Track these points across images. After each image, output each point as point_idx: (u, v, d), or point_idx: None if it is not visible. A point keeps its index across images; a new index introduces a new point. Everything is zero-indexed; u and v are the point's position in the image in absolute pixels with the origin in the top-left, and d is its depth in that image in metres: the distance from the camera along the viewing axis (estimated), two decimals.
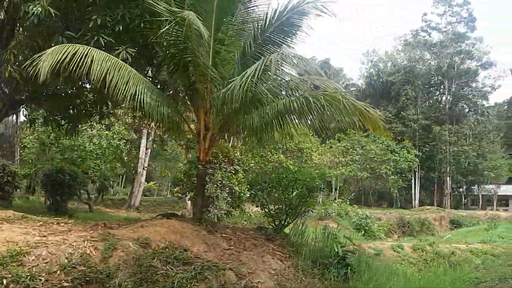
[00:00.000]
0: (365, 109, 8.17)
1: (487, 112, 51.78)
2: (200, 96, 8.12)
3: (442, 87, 53.34)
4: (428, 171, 51.39)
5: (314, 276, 8.00)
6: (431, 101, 53.27)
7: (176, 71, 8.32)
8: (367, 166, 42.59)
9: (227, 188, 18.42)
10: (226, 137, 9.30)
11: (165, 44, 8.28)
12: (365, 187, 50.93)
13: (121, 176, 39.44)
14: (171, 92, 10.04)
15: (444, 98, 53.64)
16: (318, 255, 8.64)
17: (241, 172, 19.03)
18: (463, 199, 58.22)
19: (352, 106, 7.89)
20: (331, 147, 44.60)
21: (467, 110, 54.42)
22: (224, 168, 19.53)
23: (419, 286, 9.17)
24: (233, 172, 18.67)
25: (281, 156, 36.95)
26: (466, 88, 52.38)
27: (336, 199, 46.96)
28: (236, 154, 20.99)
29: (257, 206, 10.95)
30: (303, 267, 8.11)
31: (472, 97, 50.73)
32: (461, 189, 54.76)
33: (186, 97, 8.60)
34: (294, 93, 8.85)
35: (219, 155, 19.97)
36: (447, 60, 52.13)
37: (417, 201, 50.12)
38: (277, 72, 7.92)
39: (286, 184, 9.89)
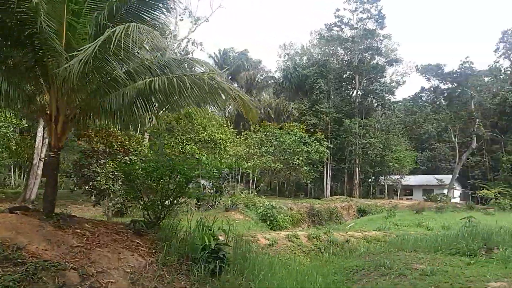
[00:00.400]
0: (239, 96, 7.71)
1: (393, 106, 54.78)
2: (49, 74, 7.06)
3: (353, 81, 55.53)
4: (339, 162, 53.33)
5: (180, 272, 7.38)
6: (343, 95, 55.26)
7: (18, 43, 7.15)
8: (281, 157, 43.10)
9: (120, 180, 17.31)
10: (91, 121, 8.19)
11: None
12: (281, 179, 51.76)
13: (15, 168, 36.29)
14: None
15: (355, 92, 55.89)
16: (189, 249, 8.03)
17: (138, 162, 17.95)
18: (371, 189, 61.48)
19: (220, 88, 7.36)
20: (246, 138, 44.59)
21: (375, 104, 57.17)
22: (119, 158, 18.38)
23: (294, 277, 8.89)
24: (128, 162, 17.58)
25: (193, 147, 36.18)
26: (375, 83, 54.88)
27: (251, 191, 47.25)
28: (132, 143, 19.89)
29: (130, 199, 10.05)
30: (169, 262, 7.45)
31: (379, 92, 53.26)
32: (369, 180, 57.54)
33: (38, 74, 7.47)
34: (162, 73, 8.07)
35: (114, 144, 18.78)
36: (358, 55, 54.33)
37: (328, 191, 51.82)
38: (137, 49, 7.07)
39: (161, 173, 9.15)
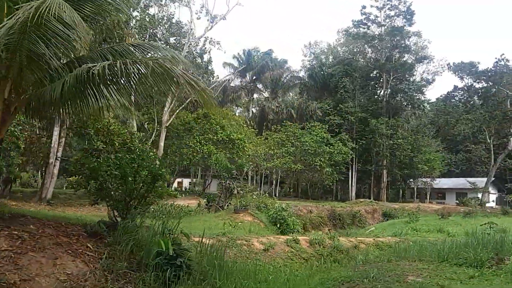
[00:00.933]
0: (195, 82, 6.87)
1: (423, 106, 52.52)
2: None
3: (380, 80, 53.63)
4: (365, 164, 51.56)
5: (129, 280, 6.60)
6: (369, 94, 53.37)
7: None
8: (301, 158, 41.96)
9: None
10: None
11: None
12: (305, 180, 50.60)
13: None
14: None
15: (382, 91, 53.94)
16: (144, 255, 7.24)
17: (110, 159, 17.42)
18: (401, 192, 59.29)
19: (172, 75, 6.53)
20: (267, 138, 43.71)
21: (404, 104, 55.01)
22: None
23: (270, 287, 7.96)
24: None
25: (211, 147, 35.62)
26: (404, 82, 52.80)
27: (273, 193, 46.38)
28: (135, 141, 19.39)
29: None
30: (118, 269, 6.68)
31: (408, 90, 51.15)
32: (398, 183, 55.44)
33: None
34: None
35: (115, 142, 18.33)
36: (386, 53, 52.43)
37: (353, 194, 50.17)
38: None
39: (124, 170, 8.43)
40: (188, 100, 32.87)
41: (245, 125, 40.74)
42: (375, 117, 50.01)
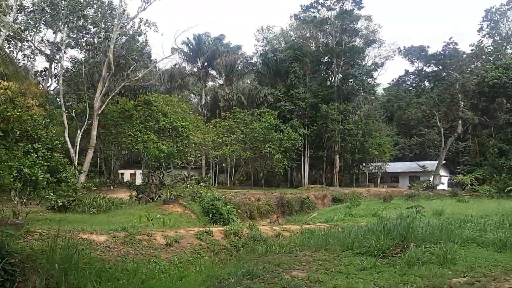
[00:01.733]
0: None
1: (373, 90, 52.49)
2: None
3: (331, 65, 53.11)
4: (317, 150, 51.19)
5: None
6: (320, 80, 52.76)
7: None
8: (251, 145, 40.98)
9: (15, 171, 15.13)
10: None
11: None
12: (258, 168, 49.77)
13: None
14: None
15: (333, 77, 53.50)
16: None
17: (43, 151, 15.83)
18: (355, 177, 59.55)
19: None
20: (215, 126, 42.42)
21: (356, 88, 54.88)
22: (21, 146, 16.20)
23: None
24: (31, 150, 15.47)
25: (153, 135, 34.01)
26: (355, 66, 52.53)
27: (223, 182, 45.25)
28: (38, 130, 17.65)
29: None
30: None
31: (358, 75, 50.93)
32: (351, 167, 55.55)
33: None
34: None
35: (16, 131, 16.56)
36: (336, 38, 51.91)
37: (306, 180, 49.75)
38: None
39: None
40: (122, 85, 31.11)
41: (191, 112, 39.24)
42: (327, 102, 49.57)
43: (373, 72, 53.72)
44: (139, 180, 37.58)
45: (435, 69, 58.71)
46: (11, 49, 27.91)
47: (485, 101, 46.23)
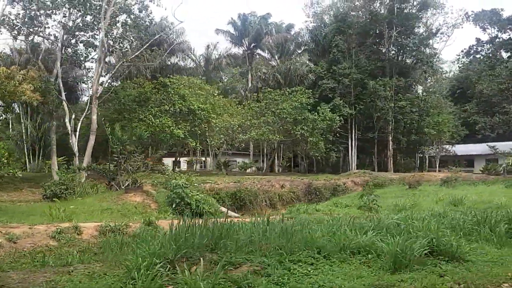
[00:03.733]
0: None
1: (430, 61, 45.81)
2: None
3: (382, 36, 47.31)
4: (366, 131, 46.21)
5: None
6: (368, 53, 47.11)
7: None
8: (281, 127, 37.70)
9: None
10: None
11: None
12: (299, 153, 46.44)
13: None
14: None
15: (384, 49, 47.65)
16: None
17: None
18: (417, 161, 53.32)
19: None
20: (243, 107, 39.78)
21: (413, 61, 48.62)
22: None
23: None
24: None
25: (167, 119, 32.38)
26: (411, 36, 46.31)
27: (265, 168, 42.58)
28: None
29: None
30: None
31: (413, 45, 44.75)
32: (410, 150, 49.59)
33: None
34: None
35: None
36: (386, 4, 46.09)
37: (354, 165, 45.16)
38: None
39: None
40: (117, 66, 29.64)
41: (215, 94, 36.87)
42: (376, 78, 44.25)
43: (430, 41, 46.77)
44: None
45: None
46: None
47: None
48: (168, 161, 51.23)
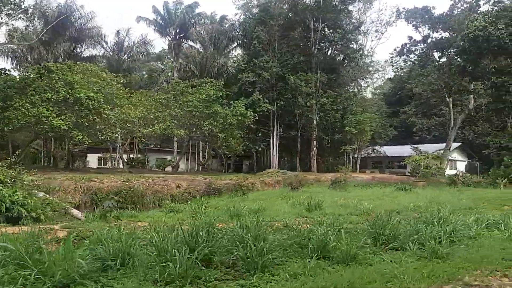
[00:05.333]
0: None
1: (356, 58, 43.87)
2: None
3: (308, 29, 44.90)
4: (287, 129, 43.82)
5: None
6: (292, 46, 44.57)
7: None
8: (187, 122, 34.60)
9: None
10: None
11: None
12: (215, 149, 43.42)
13: None
14: None
15: (310, 43, 45.24)
16: None
17: None
18: (346, 161, 51.44)
19: None
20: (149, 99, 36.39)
21: (343, 57, 46.64)
22: None
23: None
24: None
25: (44, 109, 28.54)
26: (338, 30, 44.18)
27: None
28: None
29: None
30: None
31: (338, 39, 42.67)
32: (332, 150, 47.56)
33: None
34: None
35: None
36: None
37: (275, 165, 42.63)
38: None
39: None
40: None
41: (114, 82, 33.22)
42: (300, 72, 41.78)
43: (357, 36, 44.57)
44: None
45: (443, 34, 49.20)
46: None
47: (466, 60, 36.32)
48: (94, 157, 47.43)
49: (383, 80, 72.63)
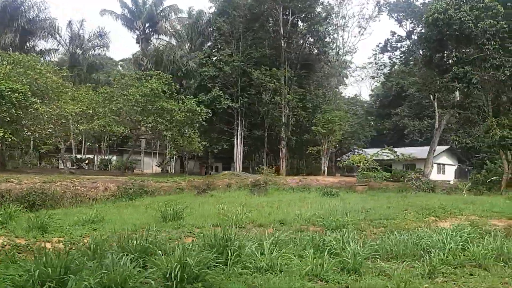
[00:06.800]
0: None
1: (326, 52, 40.35)
2: None
3: (276, 20, 41.46)
4: (252, 128, 40.49)
5: None
6: (257, 39, 41.16)
7: None
8: (128, 118, 31.51)
9: None
10: None
11: None
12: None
13: None
14: None
15: (277, 35, 41.68)
16: None
17: None
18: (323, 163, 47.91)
19: None
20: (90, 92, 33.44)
21: (316, 52, 43.18)
22: None
23: None
24: None
25: None
26: (308, 21, 40.70)
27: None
28: None
29: None
30: None
31: (306, 31, 39.21)
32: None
33: None
34: None
35: None
36: None
37: (239, 166, 39.37)
38: None
39: None
40: None
41: (49, 74, 30.27)
42: (263, 67, 38.39)
43: (324, 26, 40.78)
44: None
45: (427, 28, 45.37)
46: None
47: (428, 49, 32.69)
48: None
49: (378, 82, 69.07)
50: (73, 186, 25.34)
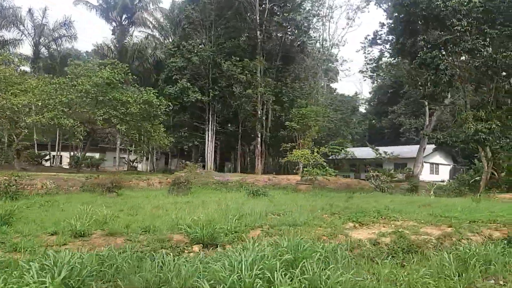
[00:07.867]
0: None
1: (303, 43, 37.47)
2: None
3: (252, 9, 38.70)
4: (224, 123, 37.82)
5: None
6: (230, 29, 38.38)
7: None
8: (77, 110, 28.95)
9: None
10: None
11: None
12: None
13: None
14: None
15: (254, 24, 38.95)
16: None
17: None
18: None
19: None
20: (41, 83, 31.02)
21: (297, 43, 40.30)
22: None
23: None
24: None
25: None
26: (285, 9, 37.85)
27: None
28: None
29: None
30: None
31: (282, 19, 36.37)
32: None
33: None
34: None
35: None
36: None
37: (210, 164, 36.72)
38: None
39: None
40: None
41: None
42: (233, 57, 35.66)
43: (300, 14, 37.79)
44: None
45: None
46: None
47: (398, 33, 29.88)
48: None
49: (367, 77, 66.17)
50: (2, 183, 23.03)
